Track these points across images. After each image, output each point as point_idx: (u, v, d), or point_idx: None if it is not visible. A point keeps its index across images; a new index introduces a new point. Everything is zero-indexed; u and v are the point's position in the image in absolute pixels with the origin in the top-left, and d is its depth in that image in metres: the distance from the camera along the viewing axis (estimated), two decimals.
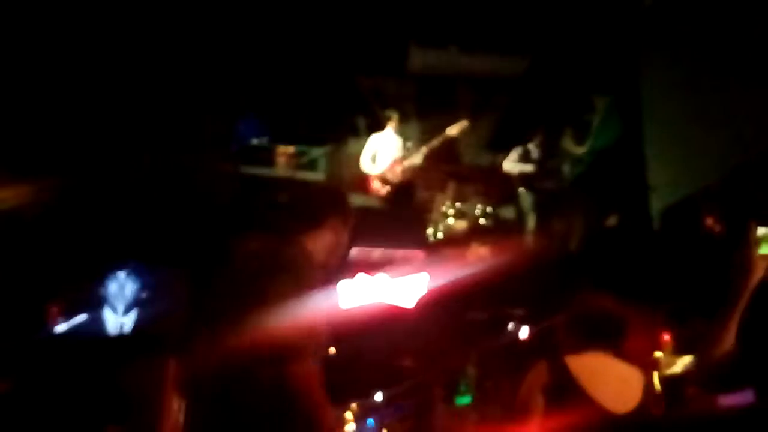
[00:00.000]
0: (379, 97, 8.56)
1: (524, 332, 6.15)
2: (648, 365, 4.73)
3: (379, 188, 7.11)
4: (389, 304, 5.82)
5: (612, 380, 2.28)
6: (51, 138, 4.16)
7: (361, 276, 5.84)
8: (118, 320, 5.00)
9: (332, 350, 6.68)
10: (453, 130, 7.10)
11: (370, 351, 6.27)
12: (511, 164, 7.27)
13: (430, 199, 7.72)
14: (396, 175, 7.06)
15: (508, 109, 8.69)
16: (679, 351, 4.80)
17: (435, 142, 7.08)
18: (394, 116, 7.23)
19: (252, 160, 6.77)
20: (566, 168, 7.39)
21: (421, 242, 6.47)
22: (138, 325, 5.00)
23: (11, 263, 4.57)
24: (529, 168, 7.17)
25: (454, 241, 6.83)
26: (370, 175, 7.18)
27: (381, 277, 5.91)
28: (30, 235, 4.79)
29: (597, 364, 2.30)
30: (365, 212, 6.82)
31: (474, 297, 5.77)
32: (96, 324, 4.91)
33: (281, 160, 6.98)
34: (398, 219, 6.61)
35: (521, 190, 7.27)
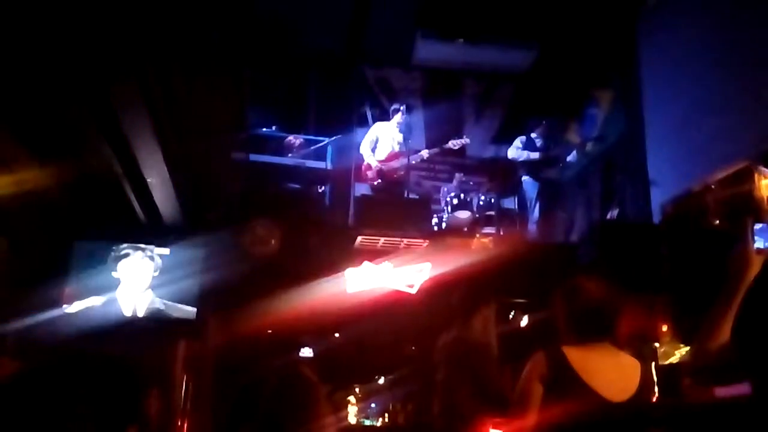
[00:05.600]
0: (386, 87, 8.60)
1: (524, 321, 6.23)
2: (644, 354, 4.82)
3: (373, 178, 7.14)
4: (393, 292, 5.90)
5: (609, 369, 2.31)
6: (69, 120, 4.20)
7: (366, 264, 5.92)
8: (132, 302, 5.08)
9: (337, 335, 6.80)
10: (455, 145, 7.17)
11: (374, 337, 6.35)
12: (516, 151, 7.32)
13: (434, 189, 7.77)
14: (391, 169, 7.09)
15: (513, 102, 8.74)
16: (676, 342, 4.87)
17: (435, 150, 7.15)
18: (401, 109, 7.23)
19: (261, 148, 6.83)
20: (569, 159, 7.43)
21: (426, 231, 6.54)
22: (152, 307, 5.08)
23: (27, 244, 4.65)
24: (533, 155, 7.21)
25: (457, 231, 6.88)
26: (366, 163, 7.22)
27: (385, 265, 5.99)
28: (46, 216, 4.86)
29: (594, 354, 2.32)
30: (371, 201, 6.88)
31: (475, 286, 5.83)
32: (110, 306, 4.98)
33: (290, 149, 7.03)
34: (403, 208, 6.65)
35: (525, 178, 7.32)
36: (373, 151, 7.19)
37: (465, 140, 7.25)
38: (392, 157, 7.13)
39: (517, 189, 7.64)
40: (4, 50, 3.46)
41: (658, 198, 6.32)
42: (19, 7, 3.20)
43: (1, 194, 4.17)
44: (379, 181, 7.10)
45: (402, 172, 7.11)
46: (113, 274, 5.09)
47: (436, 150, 7.16)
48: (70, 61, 3.61)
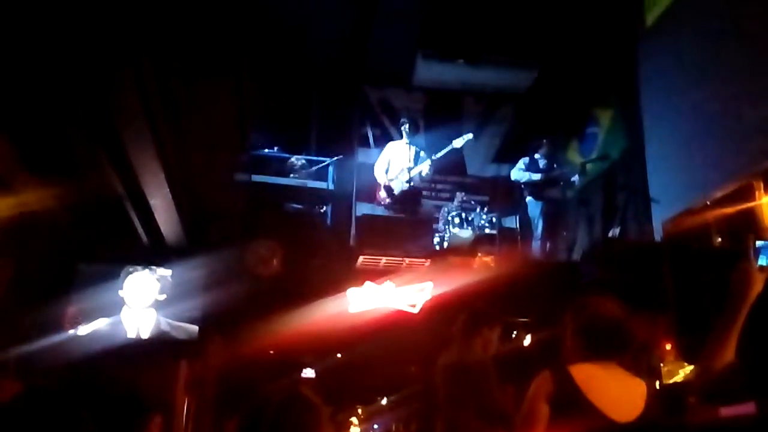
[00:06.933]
0: (387, 108, 8.67)
1: (528, 340, 6.20)
2: (650, 368, 4.78)
3: (385, 198, 7.16)
4: (395, 312, 5.88)
5: (615, 389, 2.29)
6: (72, 141, 4.23)
7: (368, 284, 5.91)
8: (136, 323, 5.07)
9: (339, 356, 6.77)
10: (458, 142, 7.20)
11: (375, 357, 6.32)
12: (519, 173, 7.34)
13: (435, 208, 7.78)
14: (402, 185, 7.12)
15: (514, 121, 8.80)
16: (680, 360, 4.84)
17: (441, 154, 7.16)
18: (406, 125, 7.27)
19: (263, 169, 6.86)
20: (572, 178, 7.45)
21: (427, 251, 6.54)
22: (156, 327, 5.07)
23: (30, 266, 4.64)
24: (536, 177, 7.23)
25: (458, 250, 6.87)
26: (378, 185, 7.24)
27: (387, 284, 5.98)
28: (49, 238, 4.86)
29: (601, 373, 2.30)
30: (372, 221, 6.89)
31: (479, 308, 5.82)
32: (114, 327, 4.97)
33: (291, 170, 7.04)
34: (405, 228, 6.66)
35: (529, 198, 7.33)
36: (386, 173, 7.21)
37: (468, 136, 7.28)
38: (402, 173, 7.16)
39: (518, 208, 7.65)
40: (9, 71, 3.49)
41: (659, 216, 6.32)
42: (22, 24, 3.24)
43: (5, 215, 4.18)
44: (390, 199, 7.10)
45: (412, 192, 7.09)
46: (117, 294, 5.09)
47: (440, 154, 7.15)
48: (73, 82, 3.64)
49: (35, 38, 3.31)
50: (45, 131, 4.15)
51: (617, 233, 7.00)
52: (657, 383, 4.73)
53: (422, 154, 7.23)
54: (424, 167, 7.13)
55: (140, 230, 5.29)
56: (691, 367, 4.46)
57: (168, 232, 5.42)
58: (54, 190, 4.52)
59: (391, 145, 7.42)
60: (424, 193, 7.74)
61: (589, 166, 7.68)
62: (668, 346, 5.02)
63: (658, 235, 6.19)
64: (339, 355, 6.72)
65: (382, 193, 7.17)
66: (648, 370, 4.75)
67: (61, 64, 3.50)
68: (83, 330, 4.87)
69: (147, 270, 5.23)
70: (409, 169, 7.10)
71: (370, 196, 7.40)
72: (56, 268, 5.09)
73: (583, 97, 8.08)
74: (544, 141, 7.42)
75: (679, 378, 4.78)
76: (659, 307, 5.00)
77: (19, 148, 4.21)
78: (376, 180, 7.29)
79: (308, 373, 7.05)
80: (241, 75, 6.68)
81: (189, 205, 5.23)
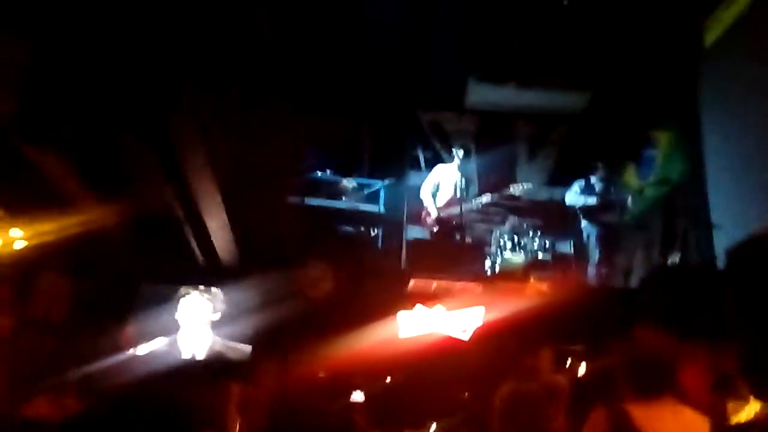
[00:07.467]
0: (439, 131, 8.67)
1: (582, 369, 6.04)
2: (712, 409, 4.57)
3: (432, 224, 7.12)
4: (446, 336, 5.83)
5: (674, 426, 2.24)
6: (133, 166, 4.38)
7: (419, 307, 5.88)
8: (191, 343, 5.18)
9: (388, 379, 6.73)
10: (516, 190, 7.13)
11: (425, 381, 6.26)
12: (574, 197, 7.20)
13: (487, 232, 7.70)
14: (450, 215, 7.06)
15: (567, 143, 8.67)
16: (746, 396, 4.62)
17: (496, 198, 7.08)
18: (460, 152, 7.22)
19: (316, 192, 6.95)
20: (629, 202, 7.26)
21: (479, 275, 6.47)
22: (211, 347, 5.17)
23: (91, 285, 4.81)
24: (592, 200, 7.08)
25: (511, 275, 6.77)
26: (425, 209, 7.22)
27: (438, 308, 5.93)
28: (108, 258, 5.03)
29: (658, 410, 2.27)
30: (424, 244, 6.87)
31: (531, 331, 5.71)
32: (171, 347, 5.09)
33: (344, 193, 7.10)
34: (456, 252, 6.61)
35: (584, 223, 7.18)
36: (434, 195, 7.16)
37: (528, 185, 7.20)
38: (451, 203, 7.08)
39: (573, 232, 7.50)
40: (77, 97, 3.65)
41: (722, 242, 6.09)
42: (86, 50, 3.37)
43: (67, 235, 4.35)
44: (437, 227, 7.05)
45: (459, 219, 7.04)
46: (174, 314, 5.21)
47: (495, 196, 7.09)
48: (136, 109, 3.78)
49: (101, 64, 3.45)
50: (108, 154, 4.32)
51: (677, 260, 6.77)
52: (725, 419, 4.52)
53: (473, 186, 7.14)
54: (475, 204, 7.07)
55: (197, 252, 5.43)
56: (759, 404, 4.25)
57: (223, 253, 5.55)
58: (115, 212, 4.68)
59: (440, 167, 7.38)
60: (476, 216, 7.66)
61: (647, 190, 7.48)
62: (734, 381, 4.80)
63: (720, 263, 5.96)
64: (389, 379, 6.68)
65: (429, 218, 7.13)
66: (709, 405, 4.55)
67: (127, 93, 3.64)
68: (142, 350, 5.00)
69: (201, 290, 5.34)
70: (460, 199, 7.03)
71: (420, 219, 7.38)
72: (115, 288, 5.26)
73: (640, 119, 7.90)
74: (600, 164, 7.26)
75: (745, 415, 4.55)
76: (723, 339, 4.80)
77: (82, 169, 4.38)
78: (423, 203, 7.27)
79: (357, 396, 7.04)
80: (297, 100, 6.83)
81: (244, 227, 5.33)
